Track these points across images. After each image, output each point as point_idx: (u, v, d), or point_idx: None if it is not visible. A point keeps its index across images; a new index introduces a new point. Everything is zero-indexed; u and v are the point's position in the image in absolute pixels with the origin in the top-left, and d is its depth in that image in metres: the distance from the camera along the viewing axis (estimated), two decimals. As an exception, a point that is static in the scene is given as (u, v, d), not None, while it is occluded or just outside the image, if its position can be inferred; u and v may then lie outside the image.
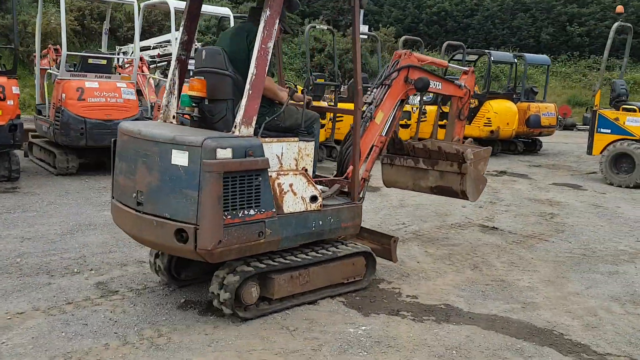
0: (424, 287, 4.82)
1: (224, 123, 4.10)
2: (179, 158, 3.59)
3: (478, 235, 6.63)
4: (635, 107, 10.59)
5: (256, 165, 3.73)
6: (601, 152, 10.81)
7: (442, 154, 5.69)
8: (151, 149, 3.75)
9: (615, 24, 10.98)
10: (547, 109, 14.76)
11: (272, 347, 3.62)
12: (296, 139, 4.23)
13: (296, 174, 4.10)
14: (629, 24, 11.40)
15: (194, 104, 4.15)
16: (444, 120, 13.38)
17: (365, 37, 17.07)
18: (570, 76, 29.67)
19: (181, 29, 4.57)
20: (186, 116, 4.28)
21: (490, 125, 13.85)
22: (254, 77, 3.82)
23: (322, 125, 11.47)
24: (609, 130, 10.73)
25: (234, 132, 3.79)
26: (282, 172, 4.03)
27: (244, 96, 3.81)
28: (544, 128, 14.63)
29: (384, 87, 5.10)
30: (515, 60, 14.52)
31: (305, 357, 3.51)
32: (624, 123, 10.55)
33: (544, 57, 15.57)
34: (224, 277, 3.89)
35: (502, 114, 13.90)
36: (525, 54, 14.50)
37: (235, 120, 3.82)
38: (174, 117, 4.41)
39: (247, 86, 3.82)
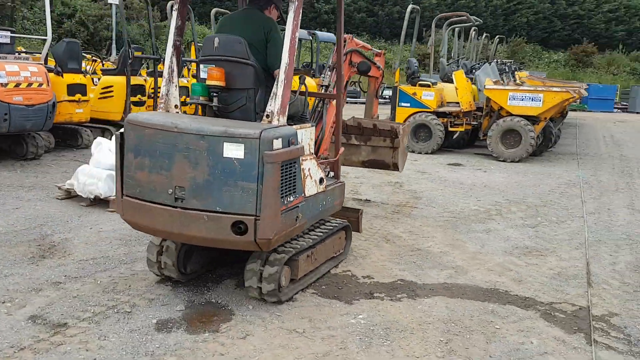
0: (368, 266, 4.93)
1: (241, 112, 4.13)
2: (233, 151, 3.51)
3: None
4: (429, 83, 12.01)
5: (297, 153, 3.82)
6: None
7: (376, 130, 6.23)
8: (195, 143, 3.58)
9: (410, 7, 12.25)
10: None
11: (302, 355, 3.39)
12: (309, 124, 4.33)
13: (311, 159, 4.19)
14: (417, 7, 12.80)
15: (214, 94, 4.07)
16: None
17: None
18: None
19: (175, 13, 4.12)
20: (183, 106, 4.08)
21: (295, 100, 14.31)
22: (287, 66, 3.81)
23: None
24: (409, 104, 12.01)
25: (271, 122, 3.77)
26: (304, 158, 4.02)
27: (278, 85, 3.78)
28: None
29: (334, 70, 5.30)
30: (310, 37, 15.09)
31: (341, 359, 3.38)
32: (420, 97, 11.90)
33: (329, 35, 16.48)
34: (261, 270, 3.90)
35: (311, 90, 14.42)
36: (317, 32, 15.16)
37: (271, 109, 3.80)
38: (176, 106, 4.16)
39: (282, 75, 3.79)
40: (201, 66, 4.23)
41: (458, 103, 11.84)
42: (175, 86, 4.22)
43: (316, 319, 3.86)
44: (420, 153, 11.70)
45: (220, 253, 4.51)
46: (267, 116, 3.82)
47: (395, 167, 6.44)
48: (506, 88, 11.33)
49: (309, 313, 3.94)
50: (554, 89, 11.24)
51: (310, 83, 14.37)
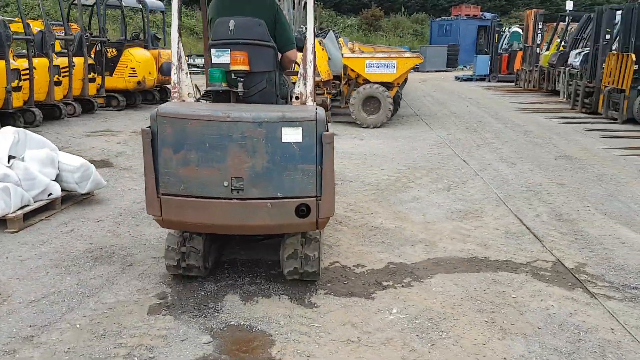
0: (349, 254, 4.71)
1: (261, 96, 4.06)
2: (291, 135, 3.50)
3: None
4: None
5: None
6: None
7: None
8: (252, 131, 3.50)
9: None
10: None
11: None
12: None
13: None
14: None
15: (240, 79, 3.94)
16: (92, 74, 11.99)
17: None
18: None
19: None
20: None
21: (136, 76, 12.97)
22: (313, 47, 3.83)
23: None
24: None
25: (305, 104, 3.81)
26: None
27: (308, 69, 3.80)
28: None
29: None
30: (140, 5, 13.72)
31: (417, 360, 3.18)
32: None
33: (159, 3, 15.14)
34: (301, 253, 3.89)
35: (144, 62, 13.15)
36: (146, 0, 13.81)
37: (301, 91, 3.84)
38: (189, 94, 3.89)
39: (310, 56, 3.80)
40: (214, 50, 3.93)
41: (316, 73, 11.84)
42: (186, 73, 3.87)
43: (357, 322, 3.57)
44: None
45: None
46: (297, 98, 3.86)
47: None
48: (363, 56, 11.61)
49: (345, 317, 3.63)
50: (405, 55, 11.83)
51: (146, 55, 13.27)
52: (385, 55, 11.70)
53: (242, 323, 3.53)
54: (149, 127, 3.58)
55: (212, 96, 4.15)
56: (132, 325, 3.48)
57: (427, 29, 41.36)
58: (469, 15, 37.73)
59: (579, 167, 8.11)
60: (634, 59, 11.78)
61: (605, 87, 12.92)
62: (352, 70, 11.56)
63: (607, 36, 13.45)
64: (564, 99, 15.98)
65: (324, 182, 3.60)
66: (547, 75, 18.04)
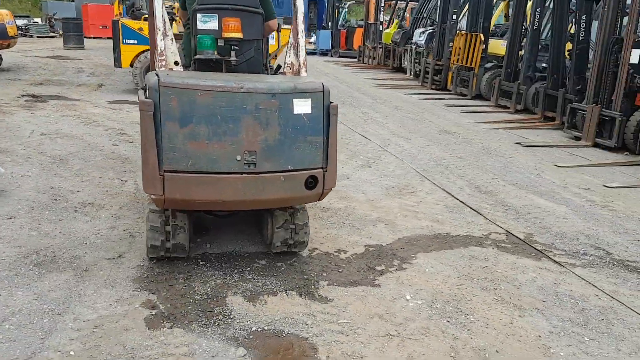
0: (323, 240, 4.44)
1: (249, 65, 3.84)
2: (302, 107, 3.41)
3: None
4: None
5: None
6: (132, 64, 10.55)
7: None
8: (267, 102, 3.33)
9: None
10: (8, 17, 12.48)
11: (430, 356, 2.96)
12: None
13: None
14: None
15: (235, 47, 3.71)
16: None
17: None
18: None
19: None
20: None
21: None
22: (304, 16, 3.86)
23: None
24: (136, 41, 10.51)
25: (298, 74, 3.82)
26: None
27: (300, 39, 3.79)
28: (11, 39, 12.44)
29: None
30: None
31: (470, 350, 3.10)
32: (148, 33, 10.53)
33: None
34: (291, 224, 3.88)
35: None
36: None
37: (292, 61, 3.82)
38: (176, 63, 3.59)
39: (301, 26, 3.79)
40: (200, 15, 3.64)
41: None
42: (171, 40, 3.55)
43: (383, 314, 3.37)
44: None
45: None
46: (289, 68, 3.80)
47: None
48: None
49: (367, 309, 3.41)
50: (285, 26, 11.49)
51: None
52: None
53: (266, 328, 3.13)
54: (149, 98, 3.17)
55: (197, 64, 3.73)
56: (139, 344, 2.88)
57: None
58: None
59: (464, 141, 8.69)
60: (482, 39, 12.90)
61: (454, 64, 14.01)
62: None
63: (454, 17, 14.51)
64: (411, 76, 17.02)
65: (330, 153, 3.58)
66: (392, 53, 19.01)
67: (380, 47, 20.02)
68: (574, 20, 10.81)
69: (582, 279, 4.09)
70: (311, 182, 3.56)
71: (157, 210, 3.65)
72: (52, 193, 5.07)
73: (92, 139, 7.11)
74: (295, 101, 3.39)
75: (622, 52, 8.28)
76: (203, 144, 3.27)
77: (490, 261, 4.28)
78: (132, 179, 5.66)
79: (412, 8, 20.53)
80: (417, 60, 16.36)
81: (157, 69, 3.52)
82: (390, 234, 4.70)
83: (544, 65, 11.84)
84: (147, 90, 3.31)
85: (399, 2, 20.96)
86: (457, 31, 14.07)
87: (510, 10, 14.12)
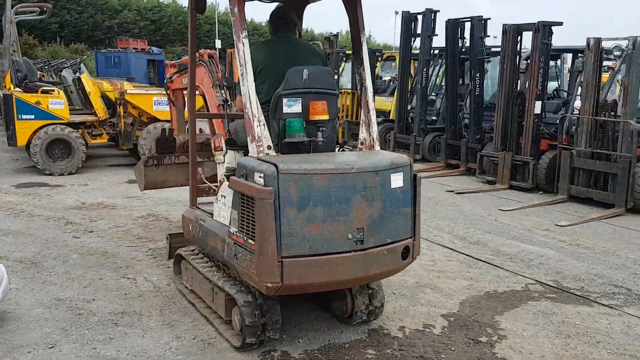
0: (390, 317, 4.24)
1: (326, 143, 3.86)
2: (397, 181, 3.53)
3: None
4: (54, 89, 9.50)
5: None
6: (29, 142, 9.20)
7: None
8: (372, 180, 3.40)
9: None
10: None
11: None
12: None
13: None
14: None
15: (323, 128, 3.74)
16: None
17: None
18: None
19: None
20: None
21: None
22: (373, 95, 4.14)
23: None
24: (33, 116, 9.22)
25: (373, 148, 3.88)
26: None
27: (372, 115, 3.90)
28: None
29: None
30: None
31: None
32: (47, 106, 9.32)
33: None
34: (370, 288, 3.98)
35: None
36: None
37: (365, 136, 3.90)
38: (269, 147, 3.50)
39: (372, 104, 3.92)
40: (286, 100, 3.64)
41: (93, 111, 9.96)
42: (264, 125, 3.50)
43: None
44: (62, 174, 9.29)
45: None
46: (362, 143, 3.89)
47: None
48: (150, 92, 10.30)
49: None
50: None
51: None
52: (173, 92, 10.66)
53: None
54: (268, 186, 3.10)
55: (282, 148, 3.63)
56: None
57: (89, 59, 38.90)
58: (137, 48, 37.09)
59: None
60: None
61: (343, 120, 14.58)
62: (136, 107, 10.16)
63: (336, 77, 15.17)
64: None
65: (417, 222, 3.71)
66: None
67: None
68: (461, 79, 12.03)
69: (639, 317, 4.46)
70: (405, 252, 3.63)
71: (249, 302, 3.52)
72: (65, 306, 4.17)
73: (43, 233, 6.02)
74: (392, 176, 3.50)
75: (527, 104, 9.38)
76: (318, 226, 3.25)
77: (560, 315, 4.44)
78: (138, 275, 4.90)
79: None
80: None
81: (257, 155, 3.37)
82: (446, 299, 4.65)
83: (433, 118, 12.90)
84: (265, 178, 3.13)
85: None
86: (343, 90, 14.72)
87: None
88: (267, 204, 3.08)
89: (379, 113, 14.22)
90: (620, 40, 8.59)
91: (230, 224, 3.48)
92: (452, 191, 9.26)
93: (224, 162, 3.89)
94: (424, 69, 12.19)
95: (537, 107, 9.35)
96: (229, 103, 4.21)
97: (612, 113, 8.41)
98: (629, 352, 3.85)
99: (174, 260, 4.55)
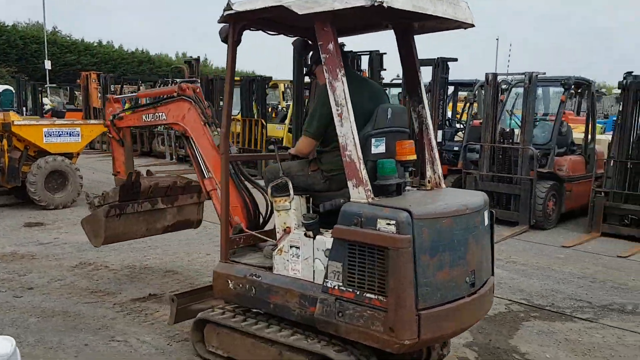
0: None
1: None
2: (487, 219, 3.48)
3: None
4: None
5: None
6: None
7: (187, 188, 5.36)
8: (477, 219, 3.30)
9: None
10: None
11: None
12: None
13: None
14: None
15: (411, 167, 3.55)
16: None
17: None
18: None
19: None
20: None
21: None
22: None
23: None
24: None
25: (440, 186, 3.78)
26: None
27: (435, 153, 3.79)
28: None
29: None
30: None
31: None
32: None
33: None
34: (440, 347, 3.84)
35: None
36: None
37: (435, 174, 3.77)
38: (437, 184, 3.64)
39: (434, 142, 3.82)
40: (374, 140, 3.45)
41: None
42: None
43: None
44: None
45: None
46: (428, 181, 3.78)
47: (198, 224, 5.70)
48: (40, 123, 9.04)
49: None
50: (91, 121, 9.87)
51: None
52: (69, 123, 9.49)
53: None
54: (403, 233, 2.87)
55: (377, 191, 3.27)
56: None
57: None
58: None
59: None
60: (264, 123, 13.52)
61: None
62: (24, 139, 8.86)
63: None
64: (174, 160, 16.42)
65: (494, 258, 3.70)
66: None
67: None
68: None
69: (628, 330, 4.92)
70: (491, 289, 3.57)
71: None
72: None
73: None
74: (485, 214, 3.46)
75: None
76: (447, 272, 3.08)
77: (558, 333, 4.70)
78: (127, 337, 4.27)
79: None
80: (182, 145, 15.93)
81: (366, 200, 3.09)
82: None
83: None
84: (398, 225, 2.88)
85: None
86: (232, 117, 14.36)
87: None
88: (405, 253, 2.83)
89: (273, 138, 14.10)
90: (516, 75, 9.61)
91: (326, 278, 3.12)
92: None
93: (290, 208, 3.47)
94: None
95: (439, 135, 10.03)
96: (277, 145, 3.79)
97: (510, 140, 9.33)
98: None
99: (194, 327, 3.94)
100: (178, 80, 4.63)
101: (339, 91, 3.13)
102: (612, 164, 8.59)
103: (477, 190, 3.73)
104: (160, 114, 4.80)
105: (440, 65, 10.00)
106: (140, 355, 4.00)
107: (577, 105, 14.59)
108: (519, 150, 9.02)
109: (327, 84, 3.19)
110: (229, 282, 3.68)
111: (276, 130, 14.25)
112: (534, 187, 8.80)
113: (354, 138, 3.10)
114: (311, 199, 3.55)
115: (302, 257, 3.33)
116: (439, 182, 3.77)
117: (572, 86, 9.58)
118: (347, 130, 3.12)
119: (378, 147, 3.41)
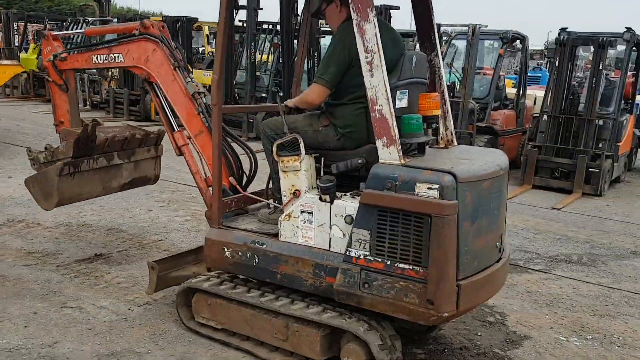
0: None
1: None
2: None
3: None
4: None
5: None
6: None
7: (144, 139, 4.74)
8: (506, 180, 3.12)
9: None
10: None
11: None
12: None
13: None
14: None
15: (435, 124, 3.22)
16: None
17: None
18: None
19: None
20: None
21: None
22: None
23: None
24: None
25: (454, 144, 3.53)
26: None
27: (447, 106, 3.51)
28: None
29: None
30: None
31: None
32: None
33: None
34: None
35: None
36: None
37: (449, 131, 3.49)
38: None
39: (447, 96, 3.56)
40: (398, 93, 3.05)
41: None
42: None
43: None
44: None
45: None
46: (441, 138, 3.55)
47: (155, 180, 5.06)
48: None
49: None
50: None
51: None
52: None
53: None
54: (448, 199, 2.62)
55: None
56: None
57: None
58: None
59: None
60: (190, 69, 12.65)
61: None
62: None
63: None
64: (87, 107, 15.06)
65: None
66: (42, 81, 16.17)
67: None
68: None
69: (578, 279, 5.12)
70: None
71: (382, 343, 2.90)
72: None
73: None
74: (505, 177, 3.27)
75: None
76: (483, 238, 2.88)
77: (518, 285, 4.74)
78: (80, 302, 3.80)
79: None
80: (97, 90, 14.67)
81: (399, 161, 2.77)
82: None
83: (263, 95, 12.45)
84: (442, 190, 2.62)
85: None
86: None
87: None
88: (451, 221, 2.59)
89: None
90: (458, 27, 9.54)
91: (349, 247, 2.84)
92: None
93: (300, 169, 3.09)
94: (252, 44, 11.73)
95: None
96: (279, 95, 3.35)
97: (451, 94, 9.35)
98: (601, 312, 4.37)
99: (180, 295, 3.55)
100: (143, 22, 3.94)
101: (370, 35, 2.75)
102: (544, 119, 8.87)
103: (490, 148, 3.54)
104: (115, 55, 4.17)
105: (383, 13, 9.73)
106: (100, 323, 3.61)
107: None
108: (459, 104, 9.06)
109: (354, 26, 2.83)
110: (225, 250, 3.31)
111: (203, 77, 13.42)
112: (473, 141, 8.94)
113: (386, 90, 2.76)
114: (322, 159, 3.20)
115: (315, 224, 3.03)
116: (451, 140, 3.53)
117: (510, 40, 9.69)
118: (378, 80, 2.77)
119: (402, 100, 3.08)
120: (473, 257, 2.78)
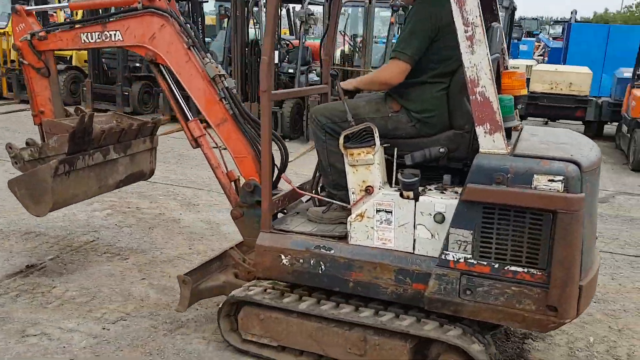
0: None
1: None
2: None
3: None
4: None
5: None
6: None
7: (140, 129, 4.11)
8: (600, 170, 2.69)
9: None
10: None
11: None
12: None
13: None
14: None
15: (522, 106, 3.06)
16: None
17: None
18: None
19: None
20: None
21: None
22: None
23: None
24: None
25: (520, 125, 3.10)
26: None
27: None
28: None
29: None
30: None
31: None
32: None
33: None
34: None
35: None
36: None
37: (516, 112, 3.01)
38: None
39: None
40: None
41: None
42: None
43: None
44: None
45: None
46: None
47: (151, 174, 4.46)
48: None
49: None
50: None
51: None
52: None
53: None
54: (574, 192, 2.30)
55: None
56: None
57: None
58: None
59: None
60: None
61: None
62: None
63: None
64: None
65: None
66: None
67: None
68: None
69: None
70: None
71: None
72: None
73: None
74: None
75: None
76: (593, 235, 2.67)
77: None
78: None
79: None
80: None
81: (505, 150, 2.41)
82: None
83: (137, 65, 11.21)
84: (567, 182, 2.28)
85: None
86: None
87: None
88: (579, 217, 2.27)
89: (58, 60, 11.77)
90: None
91: (445, 250, 2.50)
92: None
93: (374, 162, 2.65)
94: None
95: (275, 57, 9.15)
96: (335, 75, 2.84)
97: (350, 62, 9.05)
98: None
99: (222, 311, 3.04)
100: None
101: (471, 5, 2.35)
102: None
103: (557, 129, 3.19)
104: (112, 32, 3.48)
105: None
106: (80, 350, 3.04)
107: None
108: (360, 72, 8.53)
109: None
110: (282, 257, 2.85)
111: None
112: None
113: (490, 70, 2.37)
114: (395, 149, 2.74)
115: (396, 224, 2.64)
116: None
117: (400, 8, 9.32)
118: (481, 58, 2.37)
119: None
120: (587, 255, 2.49)
